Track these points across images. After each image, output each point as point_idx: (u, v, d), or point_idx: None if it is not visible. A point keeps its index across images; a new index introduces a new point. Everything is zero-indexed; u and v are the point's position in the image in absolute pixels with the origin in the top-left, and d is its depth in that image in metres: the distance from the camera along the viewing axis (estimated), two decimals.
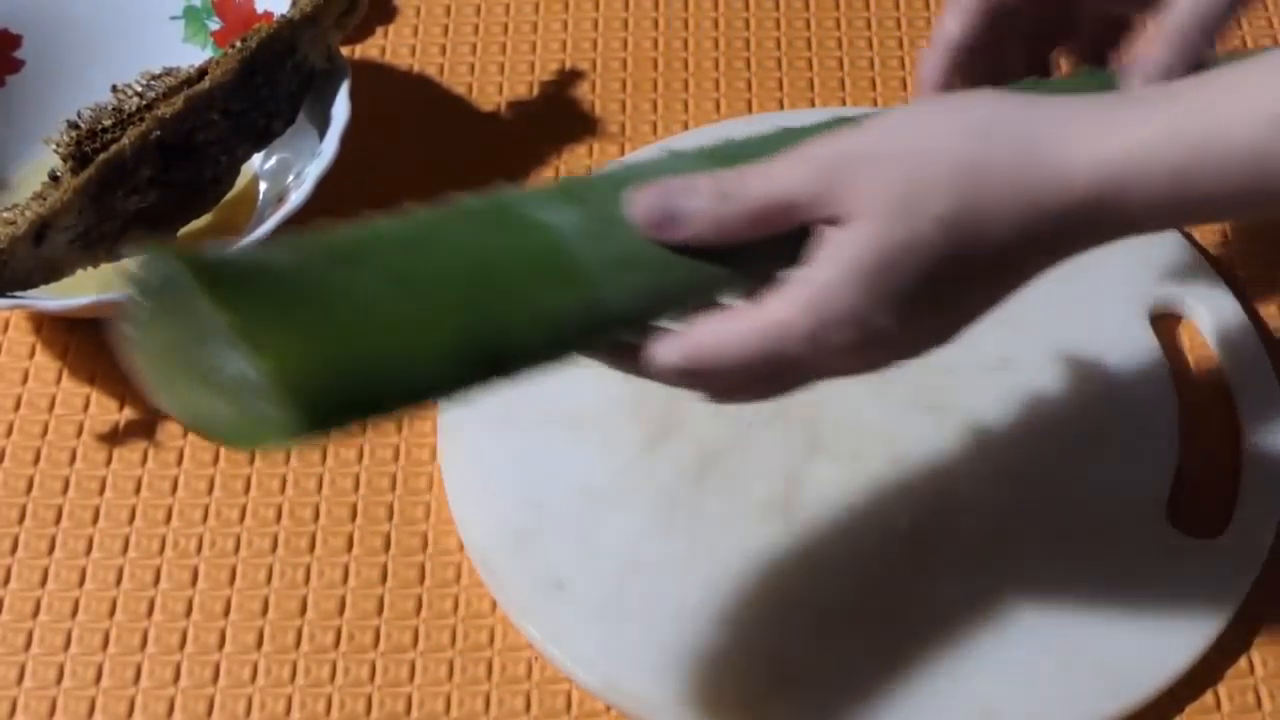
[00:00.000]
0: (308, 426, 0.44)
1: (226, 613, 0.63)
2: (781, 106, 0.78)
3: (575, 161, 0.76)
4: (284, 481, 0.67)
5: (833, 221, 0.48)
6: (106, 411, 0.69)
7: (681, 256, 0.50)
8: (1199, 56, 0.54)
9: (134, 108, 0.69)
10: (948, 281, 0.48)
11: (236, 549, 0.65)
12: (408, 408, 0.48)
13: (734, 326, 0.49)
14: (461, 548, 0.64)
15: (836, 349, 0.49)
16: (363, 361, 0.46)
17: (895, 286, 0.48)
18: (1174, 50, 0.54)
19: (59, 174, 0.67)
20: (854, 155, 0.49)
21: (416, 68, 0.81)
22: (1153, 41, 0.55)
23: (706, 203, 0.49)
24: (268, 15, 0.74)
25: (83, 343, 0.71)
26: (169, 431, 0.68)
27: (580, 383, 0.67)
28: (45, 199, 0.66)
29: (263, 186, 0.75)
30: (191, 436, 0.68)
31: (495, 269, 0.49)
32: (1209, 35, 0.54)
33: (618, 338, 0.51)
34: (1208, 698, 0.60)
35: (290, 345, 0.44)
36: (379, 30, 0.82)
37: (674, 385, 0.52)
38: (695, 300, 0.51)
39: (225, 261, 0.46)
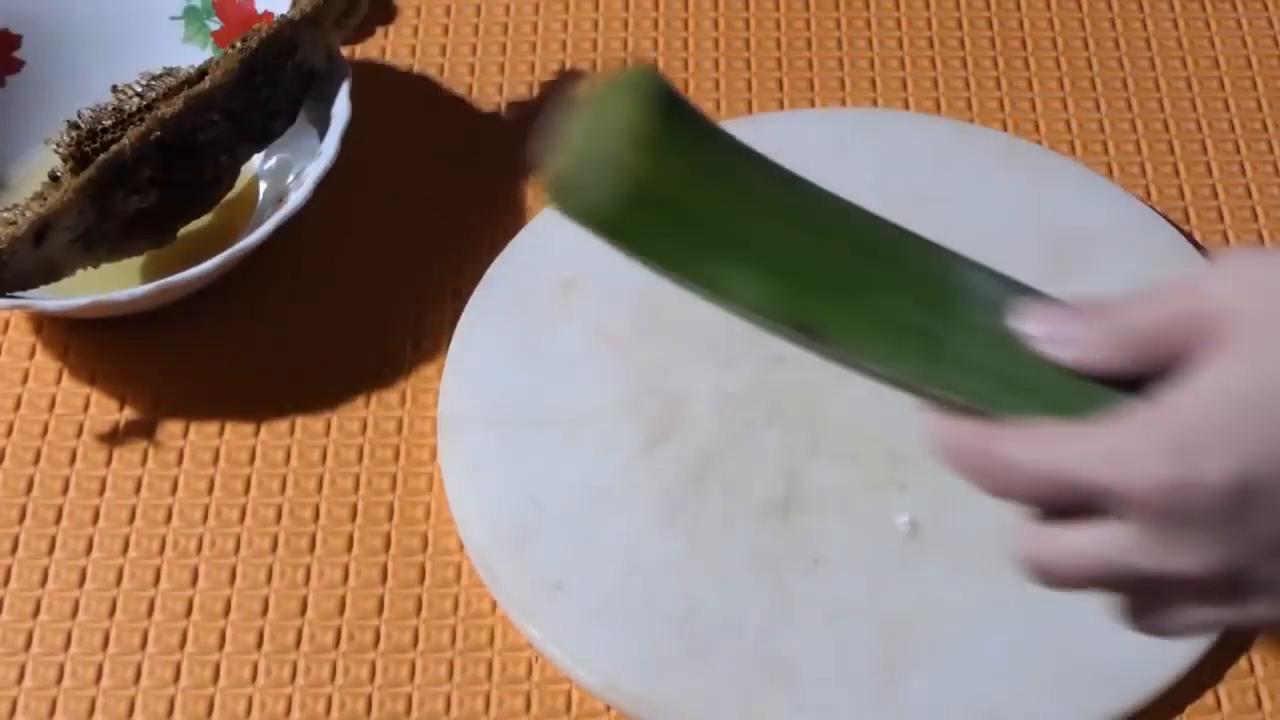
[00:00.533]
0: (597, 224, 0.50)
1: (226, 613, 0.63)
2: (781, 106, 0.78)
3: None
4: (284, 481, 0.67)
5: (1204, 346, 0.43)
6: (106, 411, 0.69)
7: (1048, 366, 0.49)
8: None
9: (134, 108, 0.69)
10: None
11: (236, 549, 0.65)
12: (696, 284, 0.51)
13: (1071, 444, 0.44)
14: (461, 548, 0.64)
15: (1196, 507, 0.41)
16: (696, 221, 0.50)
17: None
18: None
19: (59, 174, 0.67)
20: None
21: (416, 68, 0.81)
22: None
23: (1087, 331, 0.46)
24: (268, 15, 0.74)
25: (83, 343, 0.71)
26: (169, 431, 0.68)
27: (580, 383, 0.67)
28: (45, 199, 0.66)
29: (263, 186, 0.75)
30: (192, 436, 0.68)
31: (881, 261, 0.51)
32: None
33: (934, 393, 0.51)
34: (1208, 698, 0.60)
35: (652, 172, 0.50)
36: (379, 30, 0.82)
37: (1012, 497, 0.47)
38: (1041, 406, 0.49)
39: (691, 116, 0.52)
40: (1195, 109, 0.78)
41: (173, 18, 0.77)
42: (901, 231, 0.53)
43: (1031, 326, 0.47)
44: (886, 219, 0.53)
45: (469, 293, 0.71)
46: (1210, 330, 0.43)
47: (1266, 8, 0.82)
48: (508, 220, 0.74)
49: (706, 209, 0.51)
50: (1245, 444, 0.41)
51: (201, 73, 0.70)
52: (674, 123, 0.51)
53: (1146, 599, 0.45)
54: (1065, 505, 0.44)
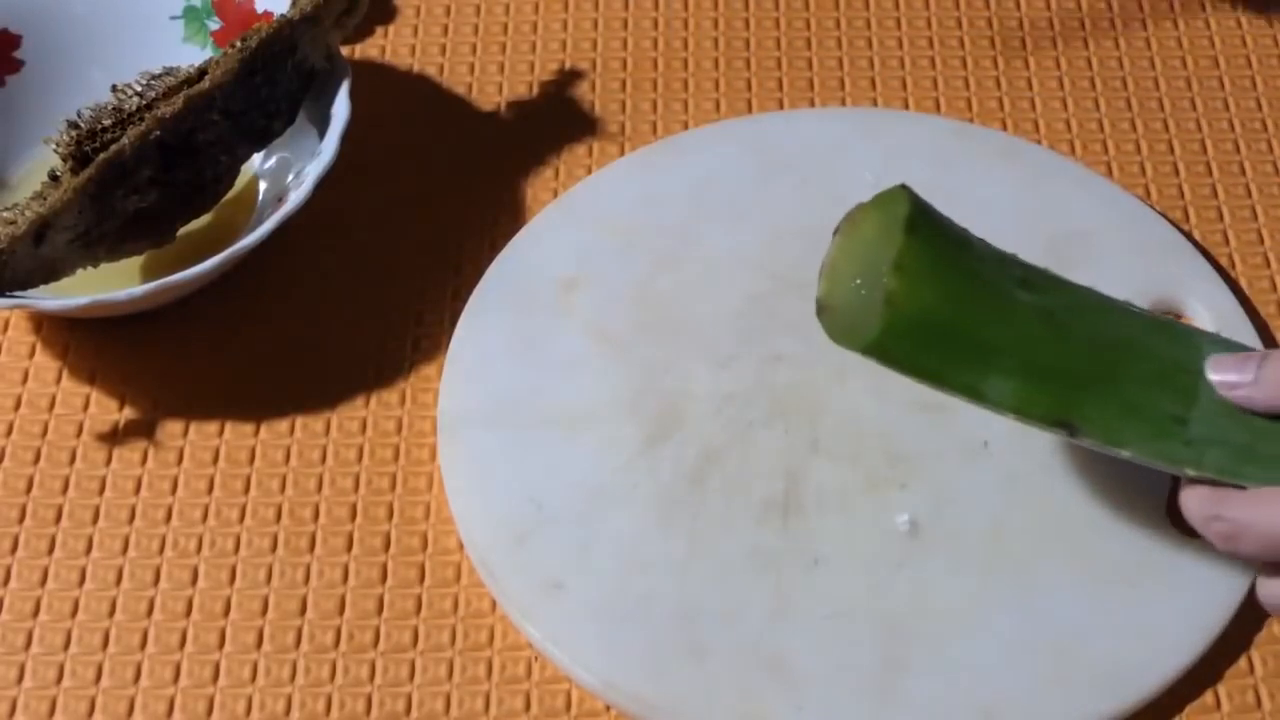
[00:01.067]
0: (874, 353, 0.56)
1: (226, 612, 0.63)
2: (781, 106, 0.78)
3: (575, 161, 0.77)
4: (284, 481, 0.67)
5: None
6: (106, 411, 0.69)
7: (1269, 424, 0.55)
8: None
9: (134, 108, 0.69)
10: None
11: (236, 549, 0.65)
12: (959, 393, 0.56)
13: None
14: (461, 547, 0.64)
15: None
16: (954, 337, 0.56)
17: None
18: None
19: (59, 174, 0.67)
20: None
21: (416, 68, 0.81)
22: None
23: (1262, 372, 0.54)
24: (268, 15, 0.74)
25: (83, 343, 0.71)
26: (169, 431, 0.68)
27: (580, 383, 0.68)
28: (45, 199, 0.66)
29: (263, 186, 0.75)
30: (192, 436, 0.68)
31: (1126, 352, 0.56)
32: None
33: (1184, 471, 0.55)
34: (1208, 698, 0.60)
35: (914, 300, 0.55)
36: (379, 30, 0.82)
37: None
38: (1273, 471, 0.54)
39: (940, 236, 0.57)
40: (1195, 109, 0.78)
41: (172, 17, 0.77)
42: (1140, 315, 0.58)
43: (1216, 376, 0.55)
44: (1123, 302, 0.58)
45: (469, 293, 0.71)
46: None
47: (1266, 7, 0.82)
48: (508, 220, 0.74)
49: (962, 324, 0.56)
50: None
51: (201, 72, 0.70)
52: (925, 244, 0.57)
53: None
54: None
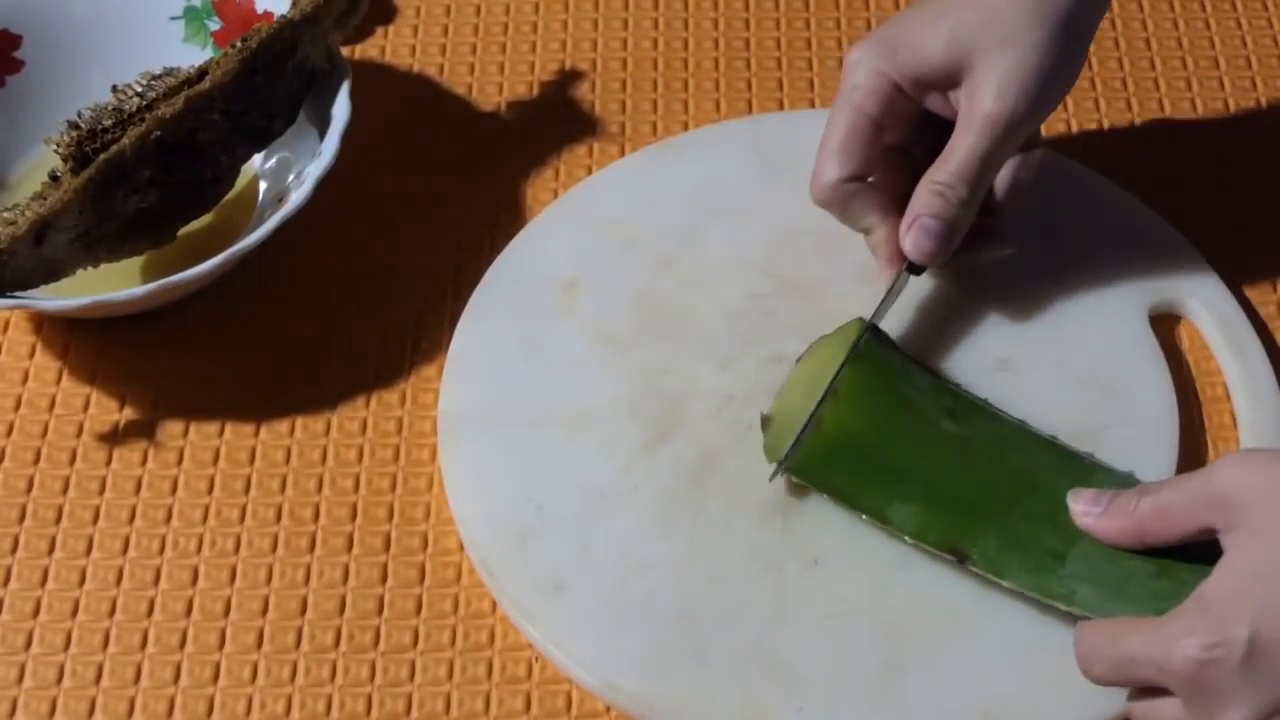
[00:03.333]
0: (793, 471, 0.62)
1: (226, 613, 0.63)
2: (781, 106, 0.78)
3: (575, 161, 0.77)
4: (284, 481, 0.67)
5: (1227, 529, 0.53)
6: (106, 411, 0.69)
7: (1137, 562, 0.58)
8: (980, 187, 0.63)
9: (134, 108, 0.69)
10: None
11: (236, 549, 0.65)
12: (866, 514, 0.61)
13: (1135, 636, 0.53)
14: (461, 548, 0.64)
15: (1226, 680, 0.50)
16: (870, 463, 0.62)
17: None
18: (954, 176, 0.63)
19: (59, 174, 0.67)
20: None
21: (416, 68, 0.81)
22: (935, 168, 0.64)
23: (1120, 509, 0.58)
24: (268, 15, 0.74)
25: (83, 343, 0.71)
26: (169, 431, 0.68)
27: (580, 383, 0.67)
28: (45, 199, 0.66)
29: (263, 186, 0.75)
30: (192, 436, 0.68)
31: (1022, 485, 0.61)
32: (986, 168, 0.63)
33: (1058, 605, 0.59)
34: None
35: (839, 424, 0.62)
36: (379, 30, 0.82)
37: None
38: (1132, 607, 0.58)
39: (881, 366, 0.64)
40: (1195, 109, 0.78)
41: (173, 18, 0.77)
42: (1056, 450, 0.62)
43: (1073, 505, 0.59)
44: (1046, 436, 0.63)
45: (469, 293, 0.71)
46: (1225, 515, 0.53)
47: (1266, 7, 0.82)
48: (508, 220, 0.74)
49: (880, 451, 0.62)
50: (1253, 606, 0.50)
51: (201, 73, 0.70)
52: (864, 373, 0.63)
53: None
54: (1139, 682, 0.54)
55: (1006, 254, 0.68)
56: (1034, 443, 0.63)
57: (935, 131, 0.65)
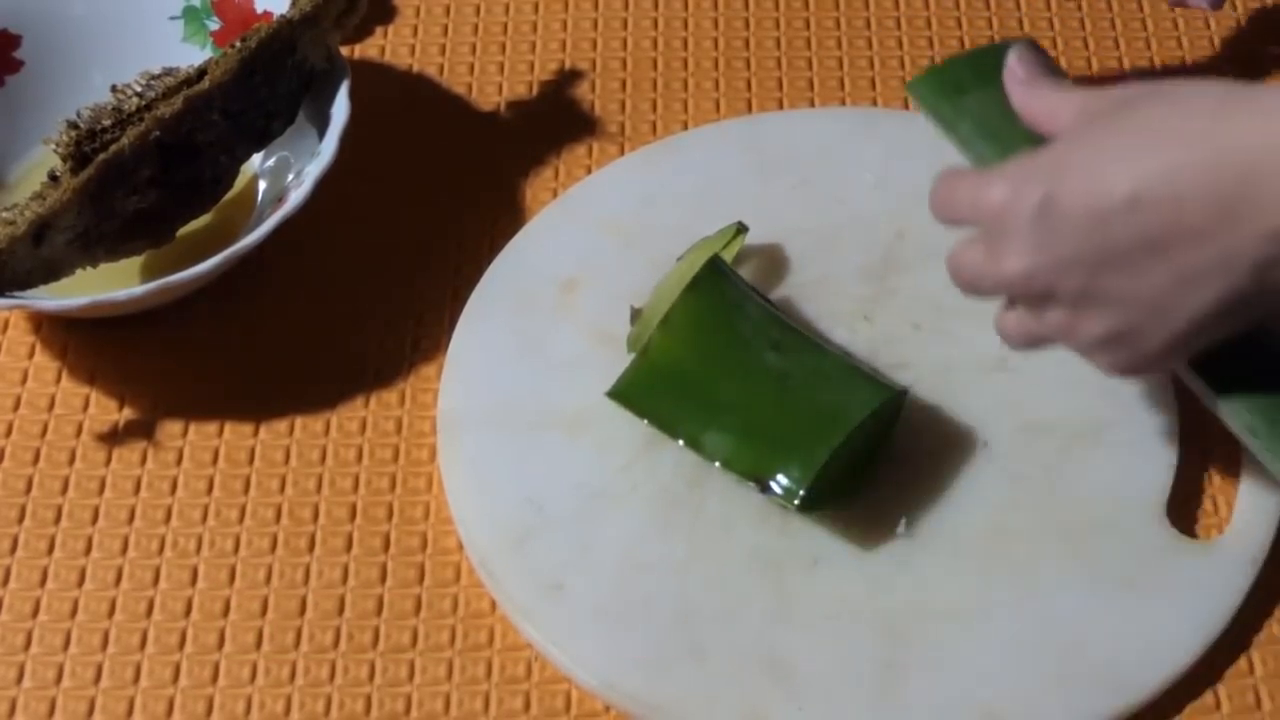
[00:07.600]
0: (616, 397, 0.64)
1: (226, 613, 0.63)
2: (781, 106, 0.78)
3: (575, 161, 0.77)
4: (284, 481, 0.67)
5: None
6: (106, 411, 0.69)
7: None
8: None
9: (134, 108, 0.69)
10: None
11: (236, 549, 0.65)
12: (682, 440, 0.64)
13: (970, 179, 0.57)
14: (461, 548, 0.64)
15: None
16: (691, 392, 0.64)
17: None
18: None
19: (58, 174, 0.67)
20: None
21: (416, 68, 0.81)
22: None
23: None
24: (267, 15, 0.74)
25: (82, 343, 0.71)
26: (169, 431, 0.68)
27: (580, 383, 0.67)
28: (45, 199, 0.66)
29: (262, 186, 0.75)
30: (191, 436, 0.68)
31: (834, 421, 0.62)
32: None
33: None
34: (1208, 698, 0.60)
35: (664, 353, 0.65)
36: (379, 30, 0.82)
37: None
38: None
39: (716, 298, 0.66)
40: None
41: (172, 17, 0.77)
42: (863, 379, 0.64)
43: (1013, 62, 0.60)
44: (867, 369, 0.65)
45: (469, 293, 0.71)
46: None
47: (1266, 7, 0.82)
48: (507, 220, 0.74)
49: (702, 380, 0.64)
50: (1051, 175, 0.53)
51: (201, 72, 0.70)
52: (697, 303, 0.64)
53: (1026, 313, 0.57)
54: (963, 219, 0.57)
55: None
56: (852, 376, 0.64)
57: None
